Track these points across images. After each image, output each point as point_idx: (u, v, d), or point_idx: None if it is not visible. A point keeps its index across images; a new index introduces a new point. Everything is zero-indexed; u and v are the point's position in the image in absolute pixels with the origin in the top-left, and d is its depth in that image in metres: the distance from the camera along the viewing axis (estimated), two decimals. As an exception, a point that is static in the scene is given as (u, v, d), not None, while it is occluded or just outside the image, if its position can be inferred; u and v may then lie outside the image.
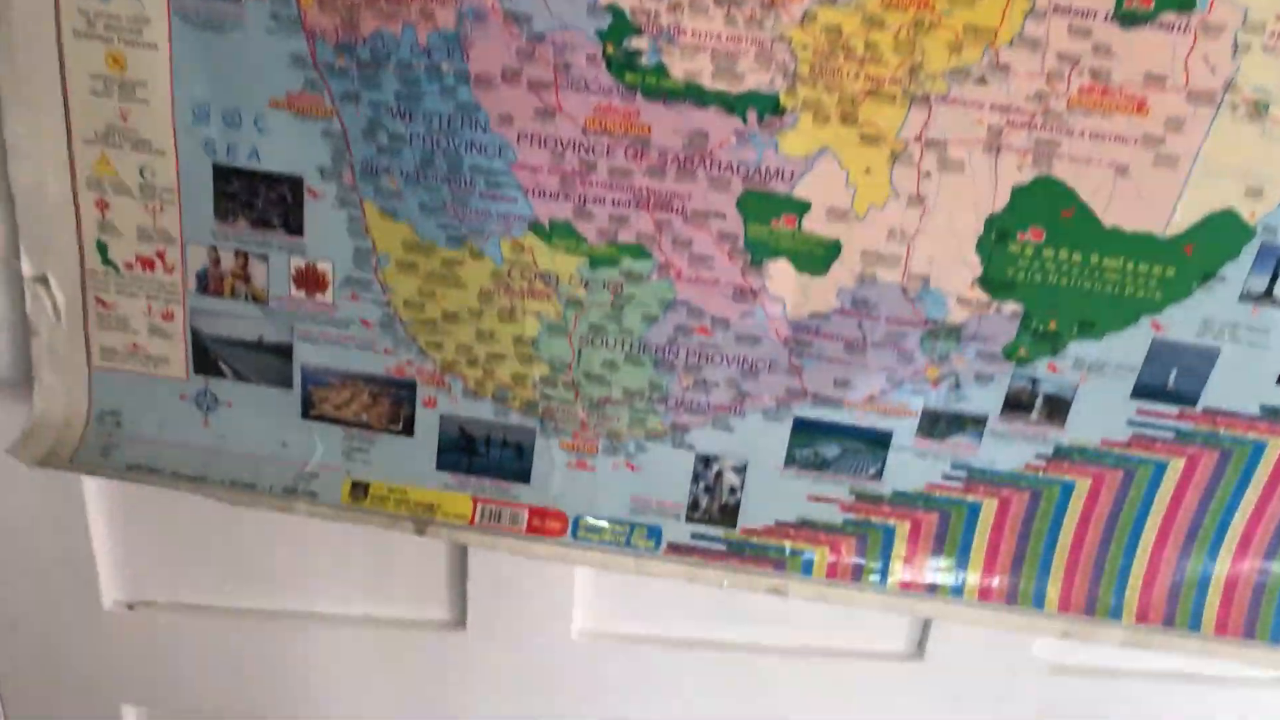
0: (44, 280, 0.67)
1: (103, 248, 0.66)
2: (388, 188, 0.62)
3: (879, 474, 0.69)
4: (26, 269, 0.68)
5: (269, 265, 0.65)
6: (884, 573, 0.73)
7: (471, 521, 0.72)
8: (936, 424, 0.68)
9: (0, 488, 0.77)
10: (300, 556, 0.81)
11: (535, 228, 0.62)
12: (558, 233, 0.62)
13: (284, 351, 0.68)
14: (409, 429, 0.70)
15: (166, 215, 0.65)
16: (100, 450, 0.73)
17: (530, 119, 0.59)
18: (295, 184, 0.62)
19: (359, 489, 0.72)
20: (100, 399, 0.71)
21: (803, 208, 0.61)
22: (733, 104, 0.59)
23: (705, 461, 0.70)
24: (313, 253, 0.65)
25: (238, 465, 0.72)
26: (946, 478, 0.69)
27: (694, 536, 0.72)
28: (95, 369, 0.71)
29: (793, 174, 0.60)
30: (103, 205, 0.65)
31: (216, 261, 0.66)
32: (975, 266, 0.62)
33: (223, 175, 0.63)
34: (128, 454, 0.73)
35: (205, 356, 0.69)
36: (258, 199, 0.63)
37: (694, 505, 0.71)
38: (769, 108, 0.58)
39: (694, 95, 0.58)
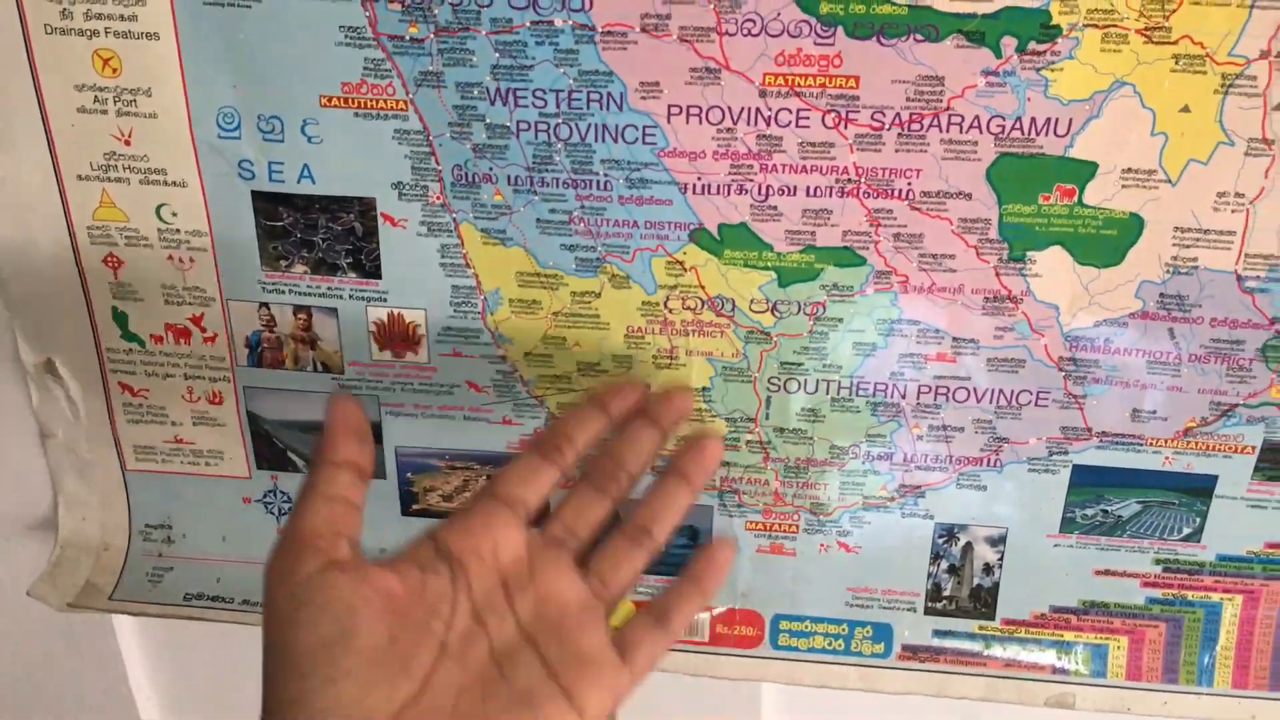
0: (49, 367, 0.55)
1: (121, 318, 0.53)
2: (490, 202, 0.49)
3: (1197, 534, 0.53)
4: (26, 355, 0.54)
5: (339, 321, 0.52)
6: (1208, 669, 0.54)
7: (636, 635, 0.55)
8: (1285, 461, 0.51)
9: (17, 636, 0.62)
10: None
11: (699, 237, 0.49)
12: (731, 241, 0.48)
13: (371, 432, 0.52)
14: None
15: (198, 267, 0.52)
16: (149, 577, 0.59)
17: (684, 84, 0.45)
18: (365, 209, 0.49)
19: (484, 603, 0.56)
20: (142, 509, 0.58)
21: (1086, 172, 0.46)
22: (980, 30, 0.43)
23: (949, 533, 0.54)
24: (396, 299, 0.51)
25: (324, 584, 0.56)
26: (1299, 533, 0.53)
27: (937, 634, 0.56)
28: (130, 472, 0.57)
29: (1070, 124, 0.45)
30: (114, 262, 0.52)
31: (270, 323, 0.53)
32: (1354, 234, 0.46)
33: (267, 206, 0.50)
34: (184, 580, 0.59)
35: (270, 446, 0.56)
36: (316, 234, 0.50)
37: (935, 593, 0.55)
38: (1034, 29, 0.43)
39: (921, 24, 0.44)
